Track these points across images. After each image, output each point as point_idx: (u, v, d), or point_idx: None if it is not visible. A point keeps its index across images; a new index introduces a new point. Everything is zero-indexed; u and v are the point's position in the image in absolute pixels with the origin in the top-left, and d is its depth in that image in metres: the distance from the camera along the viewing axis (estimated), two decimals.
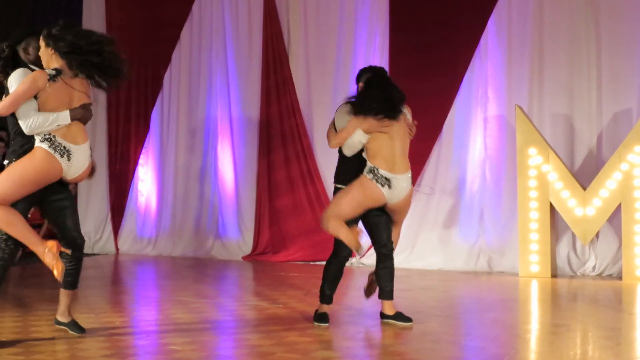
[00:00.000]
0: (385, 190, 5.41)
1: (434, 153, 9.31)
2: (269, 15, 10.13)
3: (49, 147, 4.58)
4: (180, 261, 9.92)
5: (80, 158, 4.71)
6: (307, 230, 9.49)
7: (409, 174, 5.68)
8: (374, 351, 4.82)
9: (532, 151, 8.35)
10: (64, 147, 4.63)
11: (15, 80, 4.74)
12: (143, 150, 10.88)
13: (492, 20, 9.08)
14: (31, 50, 4.94)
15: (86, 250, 10.48)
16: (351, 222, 5.45)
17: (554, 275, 8.37)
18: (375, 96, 5.61)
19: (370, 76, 5.86)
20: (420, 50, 9.34)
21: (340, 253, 5.57)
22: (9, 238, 4.72)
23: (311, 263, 9.51)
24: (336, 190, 5.79)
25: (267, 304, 6.43)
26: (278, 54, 10.11)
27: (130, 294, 7.58)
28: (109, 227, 10.85)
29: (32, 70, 4.87)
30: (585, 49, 8.71)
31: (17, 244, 4.77)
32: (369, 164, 5.51)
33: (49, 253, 4.51)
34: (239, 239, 10.26)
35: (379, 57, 9.66)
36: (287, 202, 9.89)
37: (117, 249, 10.66)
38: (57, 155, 4.58)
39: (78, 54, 4.77)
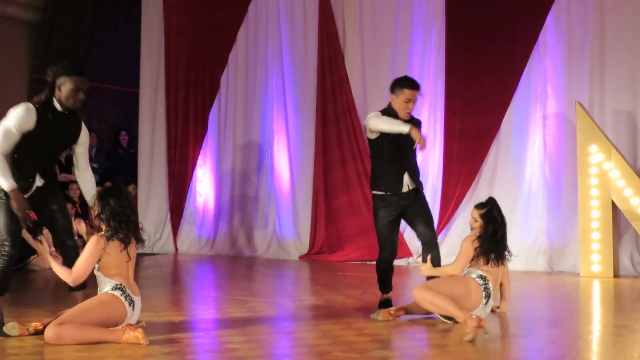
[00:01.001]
0: None
1: (492, 152, 9.21)
2: (324, 16, 10.17)
3: (121, 295, 4.86)
4: (238, 260, 10.03)
5: (139, 308, 5.01)
6: (363, 230, 9.49)
7: None
8: (432, 351, 4.80)
9: (593, 148, 8.19)
10: (131, 298, 4.92)
11: (11, 115, 4.95)
12: (201, 152, 11.04)
13: (551, 16, 8.94)
14: (63, 89, 5.07)
15: (146, 250, 10.77)
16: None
17: (617, 275, 8.19)
18: None
19: None
20: (477, 48, 9.25)
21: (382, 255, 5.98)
22: (4, 242, 4.92)
23: (367, 262, 9.50)
24: (374, 197, 5.95)
25: (325, 303, 6.45)
26: (334, 53, 10.14)
27: (189, 293, 7.69)
28: (168, 228, 11.03)
29: (34, 108, 4.96)
30: None
31: (15, 248, 4.97)
32: None
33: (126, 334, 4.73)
34: (295, 238, 10.33)
35: (435, 56, 9.61)
36: (343, 201, 9.91)
37: (176, 249, 10.84)
38: (125, 303, 4.89)
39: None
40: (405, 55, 9.79)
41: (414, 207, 5.97)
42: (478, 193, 9.20)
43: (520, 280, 8.07)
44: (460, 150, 9.31)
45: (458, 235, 8.97)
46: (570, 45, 8.91)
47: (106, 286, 4.91)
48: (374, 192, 6.02)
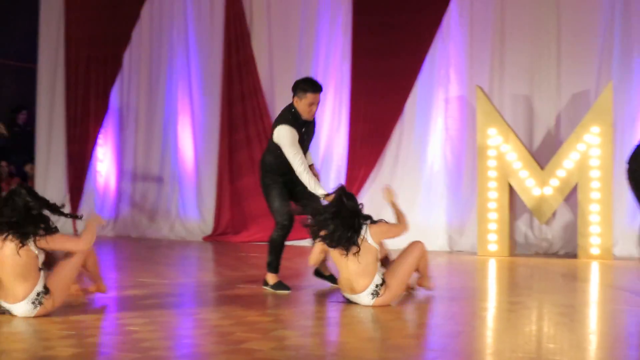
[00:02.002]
0: None
1: (396, 133, 9.37)
2: None
3: None
4: (140, 242, 9.87)
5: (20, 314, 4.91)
6: (268, 211, 9.46)
7: None
8: (334, 329, 4.87)
9: (492, 131, 8.45)
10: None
11: None
12: (102, 130, 10.78)
13: (454, 1, 9.14)
14: None
15: None
16: None
17: (512, 254, 8.51)
18: None
19: None
20: (383, 31, 9.37)
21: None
22: None
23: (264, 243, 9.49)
24: None
25: (228, 284, 6.44)
26: (240, 33, 10.06)
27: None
28: (67, 208, 10.74)
29: None
30: (545, 31, 8.82)
31: None
32: None
33: None
34: (199, 219, 10.25)
35: (342, 37, 9.68)
36: (248, 182, 9.87)
37: (75, 230, 10.57)
38: None
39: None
40: (312, 36, 9.82)
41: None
42: (382, 174, 9.38)
43: None
44: (364, 132, 9.43)
45: None
46: (472, 30, 9.13)
47: None
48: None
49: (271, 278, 6.07)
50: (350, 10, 9.58)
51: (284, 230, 6.00)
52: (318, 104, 5.99)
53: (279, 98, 9.94)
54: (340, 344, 4.48)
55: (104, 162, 10.81)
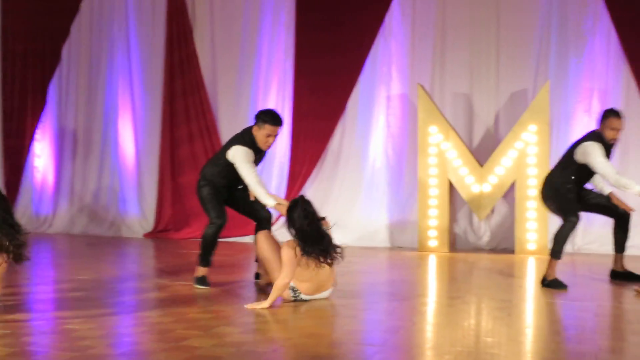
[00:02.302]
0: None
1: (338, 130, 9.41)
2: None
3: None
4: (79, 239, 9.70)
5: None
6: None
7: None
8: (275, 326, 4.86)
9: (433, 129, 8.55)
10: None
11: None
12: (40, 126, 10.55)
13: (396, 0, 9.21)
14: None
15: None
16: None
17: (451, 249, 8.64)
18: None
19: None
20: (326, 29, 9.40)
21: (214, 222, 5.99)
22: None
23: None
24: None
25: (169, 281, 6.38)
26: (182, 28, 9.96)
27: (24, 273, 7.35)
28: None
29: None
30: (485, 32, 8.97)
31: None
32: None
33: None
34: (139, 216, 10.13)
35: (285, 34, 9.67)
36: (190, 179, 9.75)
37: None
38: None
39: None
40: (255, 33, 9.79)
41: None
42: (324, 171, 9.42)
43: (362, 255, 8.34)
44: (307, 129, 9.45)
45: None
46: (414, 29, 9.23)
47: None
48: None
49: (199, 271, 6.10)
50: (294, 7, 9.58)
51: (217, 228, 6.03)
52: (276, 137, 6.03)
53: (221, 95, 9.89)
54: (282, 340, 4.47)
55: (42, 158, 10.58)
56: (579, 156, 6.18)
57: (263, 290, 5.88)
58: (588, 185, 6.47)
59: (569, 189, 6.26)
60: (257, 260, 6.10)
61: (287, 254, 5.29)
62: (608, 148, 6.21)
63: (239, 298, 5.68)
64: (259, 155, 6.06)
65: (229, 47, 9.90)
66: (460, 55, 9.07)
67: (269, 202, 5.74)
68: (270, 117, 5.96)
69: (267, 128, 5.91)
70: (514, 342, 4.34)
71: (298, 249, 5.30)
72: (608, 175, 5.99)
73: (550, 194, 6.34)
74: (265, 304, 5.24)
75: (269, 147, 6.06)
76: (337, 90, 9.34)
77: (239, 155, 5.88)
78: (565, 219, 6.17)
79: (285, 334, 4.66)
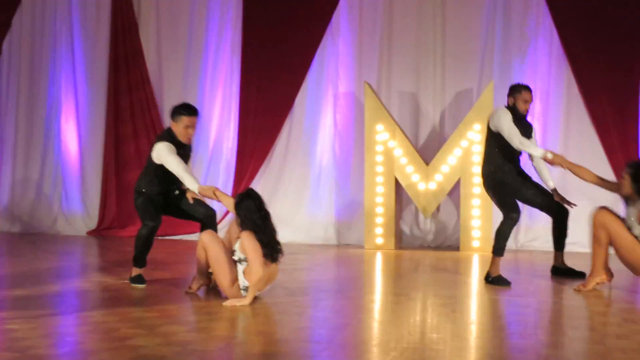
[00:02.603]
0: None
1: (285, 128, 9.40)
2: None
3: None
4: (20, 237, 9.48)
5: None
6: None
7: None
8: (222, 324, 4.83)
9: (380, 127, 8.60)
10: None
11: None
12: None
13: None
14: None
15: None
16: None
17: (398, 247, 8.70)
18: None
19: None
20: (274, 25, 9.37)
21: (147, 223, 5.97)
22: None
23: (159, 238, 9.34)
24: None
25: (113, 280, 6.28)
26: (127, 23, 9.82)
27: None
28: None
29: None
30: (431, 32, 9.06)
31: None
32: None
33: None
34: (83, 213, 9.95)
35: (232, 30, 9.62)
36: (135, 176, 9.56)
37: None
38: None
39: None
40: (202, 28, 9.70)
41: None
42: (272, 168, 9.40)
43: (309, 252, 8.35)
44: (254, 126, 9.40)
45: None
46: (361, 27, 9.26)
47: None
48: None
49: (135, 271, 6.07)
50: (241, 3, 9.53)
51: (150, 230, 6.01)
52: (195, 127, 6.07)
53: (167, 91, 9.78)
54: (227, 338, 4.45)
55: None
56: (494, 122, 6.37)
57: (213, 289, 5.83)
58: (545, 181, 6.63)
59: (506, 172, 6.36)
60: None
61: (252, 244, 5.20)
62: (521, 119, 6.41)
63: (184, 297, 5.63)
64: (183, 150, 6.04)
65: (175, 43, 9.80)
66: (406, 55, 9.14)
67: (194, 186, 5.71)
68: (185, 109, 6.05)
69: (184, 120, 5.97)
70: (459, 338, 4.40)
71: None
72: (513, 138, 6.18)
73: (488, 185, 6.44)
74: (246, 301, 5.18)
75: (189, 139, 6.09)
76: (284, 87, 9.33)
77: (162, 150, 5.88)
78: (505, 215, 6.27)
79: (231, 332, 4.64)
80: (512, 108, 6.45)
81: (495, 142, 6.39)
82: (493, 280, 6.21)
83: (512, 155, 6.42)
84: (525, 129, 6.42)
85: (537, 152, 6.18)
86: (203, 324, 4.79)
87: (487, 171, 6.44)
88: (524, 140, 6.18)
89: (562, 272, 6.65)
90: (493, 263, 6.26)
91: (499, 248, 6.25)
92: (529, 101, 6.50)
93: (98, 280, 6.38)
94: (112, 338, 4.23)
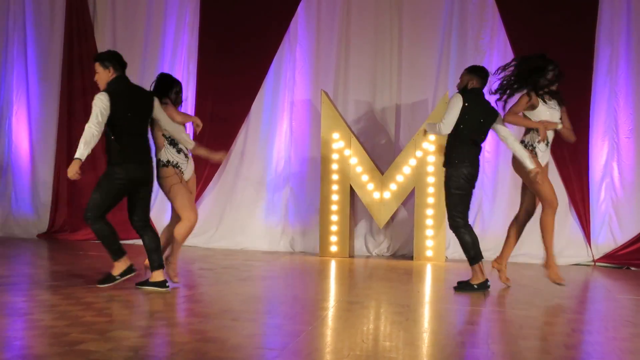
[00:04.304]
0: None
1: (241, 134, 9.37)
2: None
3: None
4: None
5: None
6: None
7: None
8: (174, 330, 4.78)
9: (336, 136, 8.62)
10: None
11: None
12: None
13: (302, 6, 9.26)
14: None
15: None
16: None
17: (352, 255, 8.73)
18: None
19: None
20: (231, 32, 9.35)
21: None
22: None
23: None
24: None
25: (63, 284, 6.17)
26: (83, 25, 9.69)
27: None
28: None
29: None
30: (388, 43, 9.13)
31: None
32: None
33: None
34: (34, 216, 9.77)
35: (189, 35, 9.56)
36: (88, 179, 9.43)
37: None
38: None
39: None
40: (158, 33, 9.63)
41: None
42: (227, 174, 9.35)
43: (263, 259, 8.32)
44: (210, 131, 9.33)
45: (206, 214, 9.03)
46: (319, 36, 9.29)
47: None
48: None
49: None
50: (198, 8, 9.48)
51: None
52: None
53: None
54: (180, 344, 4.39)
55: None
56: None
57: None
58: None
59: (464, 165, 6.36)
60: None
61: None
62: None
63: (136, 302, 5.55)
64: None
65: (131, 46, 9.69)
66: (363, 65, 9.19)
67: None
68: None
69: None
70: (412, 346, 4.42)
71: None
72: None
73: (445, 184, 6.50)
74: None
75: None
76: (241, 93, 9.29)
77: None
78: (453, 226, 6.37)
79: (183, 338, 4.58)
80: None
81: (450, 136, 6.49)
82: (479, 287, 6.40)
83: (467, 137, 6.47)
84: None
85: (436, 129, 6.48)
86: (155, 330, 4.73)
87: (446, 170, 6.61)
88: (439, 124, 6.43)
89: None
90: (473, 271, 6.42)
91: (472, 257, 6.41)
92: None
93: (48, 283, 6.25)
94: (62, 343, 4.14)
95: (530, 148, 6.25)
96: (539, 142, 6.22)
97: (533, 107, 6.23)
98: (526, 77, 6.19)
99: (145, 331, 4.67)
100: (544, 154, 6.31)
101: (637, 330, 5.06)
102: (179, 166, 6.10)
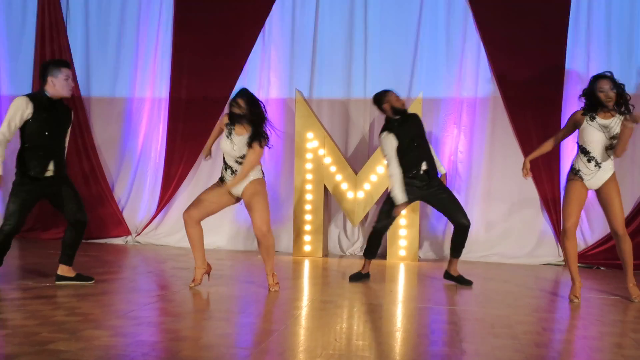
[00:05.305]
0: None
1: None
2: None
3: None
4: None
5: None
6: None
7: None
8: (145, 329, 4.75)
9: (310, 135, 8.62)
10: None
11: None
12: None
13: (276, 4, 9.23)
14: None
15: None
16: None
17: (325, 254, 8.73)
18: None
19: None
20: (205, 30, 9.30)
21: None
22: None
23: (83, 241, 9.15)
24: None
25: (34, 283, 6.10)
26: (55, 20, 9.59)
27: None
28: None
29: None
30: (362, 42, 9.12)
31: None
32: None
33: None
34: (1, 214, 9.64)
35: (164, 34, 9.51)
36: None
37: None
38: None
39: None
40: (132, 31, 9.57)
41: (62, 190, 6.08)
42: (201, 172, 9.31)
43: (236, 259, 8.29)
44: (184, 129, 9.31)
45: (178, 214, 8.97)
46: (293, 35, 9.27)
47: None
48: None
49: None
50: (172, 7, 9.43)
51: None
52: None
53: (95, 91, 9.60)
54: (152, 343, 4.36)
55: None
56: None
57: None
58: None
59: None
60: None
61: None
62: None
63: (108, 301, 5.51)
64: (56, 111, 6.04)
65: (104, 43, 9.62)
66: (337, 64, 9.18)
67: None
68: (62, 62, 6.24)
69: (65, 72, 6.07)
70: (384, 345, 4.43)
71: None
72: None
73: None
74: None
75: (71, 90, 6.19)
76: (215, 92, 9.25)
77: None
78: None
79: (155, 338, 4.56)
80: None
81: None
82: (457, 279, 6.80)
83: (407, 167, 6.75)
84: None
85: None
86: (126, 329, 4.69)
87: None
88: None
89: (454, 279, 6.87)
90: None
91: (369, 252, 7.04)
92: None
93: (17, 282, 6.18)
94: (32, 342, 4.10)
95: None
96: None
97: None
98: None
99: (116, 331, 4.64)
100: (592, 175, 6.18)
101: (605, 328, 5.12)
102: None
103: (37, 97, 5.93)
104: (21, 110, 5.82)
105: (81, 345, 4.07)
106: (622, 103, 6.02)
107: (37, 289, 5.83)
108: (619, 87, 6.01)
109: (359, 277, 6.99)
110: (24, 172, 5.86)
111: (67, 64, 6.17)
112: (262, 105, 6.11)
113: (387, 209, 6.78)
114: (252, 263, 8.13)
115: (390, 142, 6.63)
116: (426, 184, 6.73)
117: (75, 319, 4.76)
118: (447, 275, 6.95)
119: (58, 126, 5.97)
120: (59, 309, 5.03)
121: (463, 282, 6.84)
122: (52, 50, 9.56)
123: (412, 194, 6.70)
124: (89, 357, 3.84)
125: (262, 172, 6.27)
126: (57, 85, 5.97)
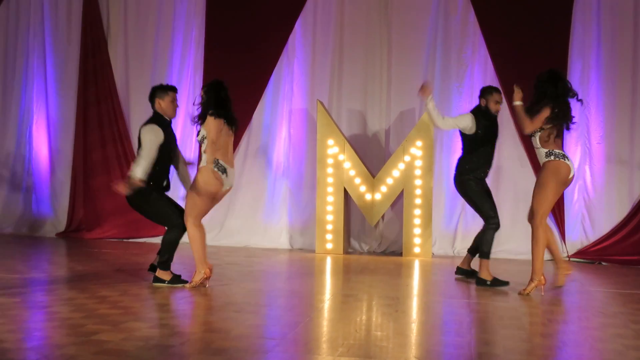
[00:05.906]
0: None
1: (243, 141, 9.36)
2: (88, 1, 9.67)
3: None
4: None
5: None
6: (121, 209, 9.14)
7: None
8: (182, 321, 4.77)
9: (330, 142, 8.63)
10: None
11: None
12: None
13: (299, 23, 9.26)
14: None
15: None
16: None
17: (346, 252, 8.72)
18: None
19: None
20: (234, 46, 9.34)
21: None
22: None
23: (124, 240, 9.25)
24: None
25: (79, 278, 6.15)
26: (97, 38, 9.69)
27: None
28: None
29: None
30: (378, 55, 9.13)
31: None
32: None
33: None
34: (52, 216, 9.76)
35: (195, 50, 9.56)
36: (102, 181, 9.50)
37: None
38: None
39: None
40: (167, 47, 9.63)
41: None
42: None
43: (264, 256, 8.31)
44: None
45: (211, 214, 8.99)
46: (314, 50, 9.29)
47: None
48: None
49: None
50: (203, 24, 9.49)
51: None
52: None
53: (133, 103, 9.67)
54: (188, 334, 4.39)
55: None
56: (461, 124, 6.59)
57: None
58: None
59: (471, 175, 6.52)
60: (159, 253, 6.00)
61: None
62: (491, 119, 6.55)
63: (147, 295, 5.54)
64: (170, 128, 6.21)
65: (141, 59, 9.70)
66: (355, 77, 9.19)
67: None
68: (169, 86, 6.38)
69: (171, 94, 6.27)
70: (401, 336, 4.42)
71: None
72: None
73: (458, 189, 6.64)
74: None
75: (175, 111, 6.36)
76: (243, 103, 9.25)
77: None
78: (485, 221, 6.49)
79: (191, 329, 4.58)
80: (484, 109, 6.53)
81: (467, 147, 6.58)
82: (492, 283, 6.35)
83: (480, 159, 6.55)
84: (493, 126, 6.61)
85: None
86: (165, 321, 4.72)
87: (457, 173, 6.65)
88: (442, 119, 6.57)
89: (465, 273, 6.79)
90: (482, 267, 6.40)
91: (486, 252, 6.43)
92: (499, 102, 6.60)
93: (65, 278, 6.24)
94: (78, 333, 4.14)
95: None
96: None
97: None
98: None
99: (155, 322, 4.67)
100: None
101: (607, 320, 5.07)
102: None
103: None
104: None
105: (123, 336, 4.10)
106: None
107: (83, 285, 5.87)
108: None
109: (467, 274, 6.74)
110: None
111: (174, 88, 6.25)
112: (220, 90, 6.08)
113: (488, 207, 6.48)
114: (277, 259, 8.14)
115: (472, 120, 6.46)
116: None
117: (117, 312, 4.80)
118: (459, 270, 6.85)
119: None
120: (103, 303, 5.07)
121: (499, 283, 6.57)
122: (94, 65, 9.66)
123: (482, 185, 6.58)
124: (130, 347, 3.86)
125: (217, 162, 5.98)
126: (163, 106, 6.10)
